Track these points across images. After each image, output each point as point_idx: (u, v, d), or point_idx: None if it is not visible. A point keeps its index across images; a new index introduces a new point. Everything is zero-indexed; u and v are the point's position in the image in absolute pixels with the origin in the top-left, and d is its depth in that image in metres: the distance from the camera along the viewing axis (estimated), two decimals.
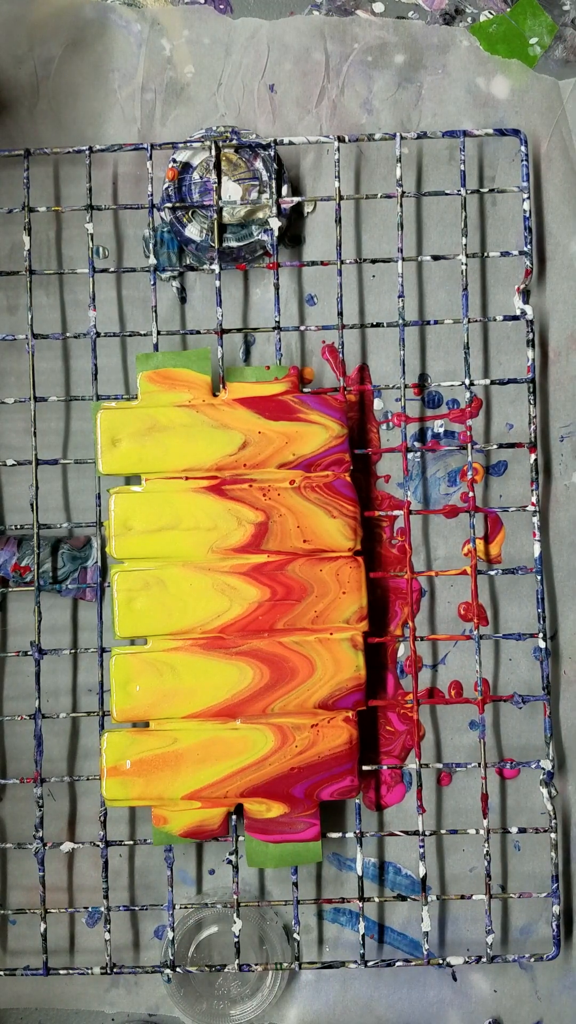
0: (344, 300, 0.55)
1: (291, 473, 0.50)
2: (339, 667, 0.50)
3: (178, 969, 0.52)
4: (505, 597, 0.55)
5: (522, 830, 0.52)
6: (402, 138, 0.52)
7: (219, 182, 0.53)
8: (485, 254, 0.54)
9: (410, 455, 0.55)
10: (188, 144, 0.53)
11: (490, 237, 0.55)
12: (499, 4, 0.56)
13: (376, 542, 0.55)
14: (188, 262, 0.55)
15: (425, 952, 0.52)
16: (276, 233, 0.53)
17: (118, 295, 0.56)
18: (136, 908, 0.52)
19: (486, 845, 0.51)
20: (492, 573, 0.53)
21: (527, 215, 0.53)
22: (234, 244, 0.53)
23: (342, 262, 0.53)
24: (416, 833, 0.52)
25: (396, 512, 0.53)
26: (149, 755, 0.49)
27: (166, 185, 0.53)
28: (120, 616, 0.49)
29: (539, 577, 0.53)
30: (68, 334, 0.53)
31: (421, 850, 0.52)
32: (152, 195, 0.52)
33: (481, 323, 0.55)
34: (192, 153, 0.53)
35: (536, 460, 0.53)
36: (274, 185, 0.53)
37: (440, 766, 0.53)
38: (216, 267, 0.52)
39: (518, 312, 0.53)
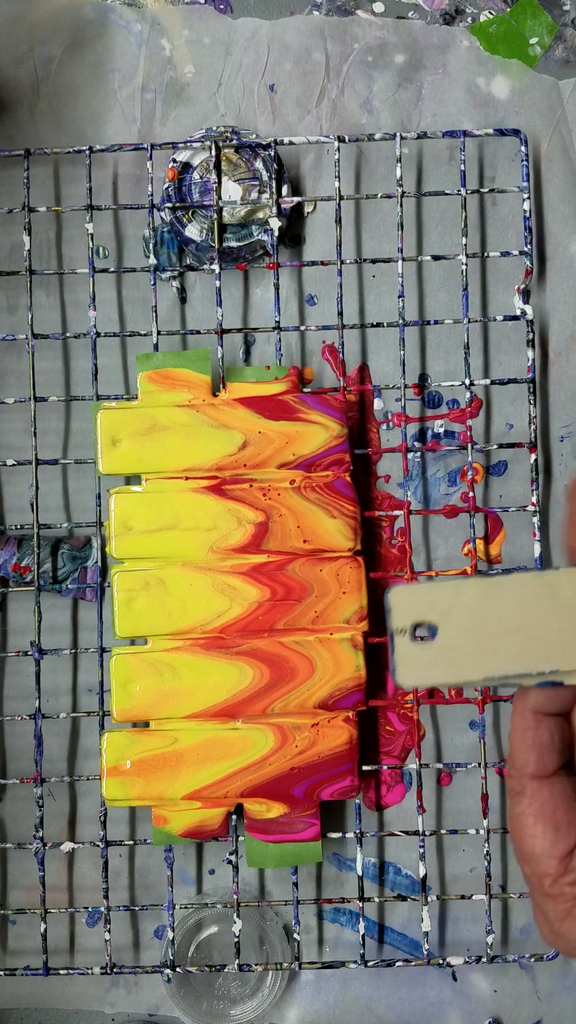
0: (344, 300, 0.55)
1: (291, 473, 0.50)
2: (339, 667, 0.50)
3: (178, 969, 0.52)
4: None
5: None
6: (402, 138, 0.53)
7: (219, 182, 0.53)
8: (485, 254, 0.54)
9: (410, 455, 0.55)
10: (188, 144, 0.53)
11: (490, 237, 0.55)
12: (499, 4, 0.56)
13: (376, 542, 0.55)
14: (188, 262, 0.55)
15: (425, 952, 0.52)
16: (276, 233, 0.53)
17: (118, 295, 0.56)
18: (136, 908, 0.52)
19: (486, 845, 0.51)
20: (492, 573, 0.53)
21: (527, 215, 0.53)
22: (234, 244, 0.53)
23: (342, 262, 0.53)
24: (416, 833, 0.52)
25: (396, 512, 0.53)
26: (149, 755, 0.49)
27: (166, 185, 0.53)
28: (120, 616, 0.49)
29: None
30: (68, 334, 0.53)
31: (421, 850, 0.52)
32: (152, 195, 0.52)
33: (481, 323, 0.55)
34: (192, 153, 0.53)
35: (536, 460, 0.53)
36: (274, 185, 0.53)
37: (440, 766, 0.53)
38: (216, 267, 0.52)
39: (518, 312, 0.53)
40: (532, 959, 0.52)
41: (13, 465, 0.53)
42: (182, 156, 0.53)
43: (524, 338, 0.54)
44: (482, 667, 0.36)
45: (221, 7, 0.56)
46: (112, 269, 0.54)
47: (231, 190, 0.53)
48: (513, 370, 0.55)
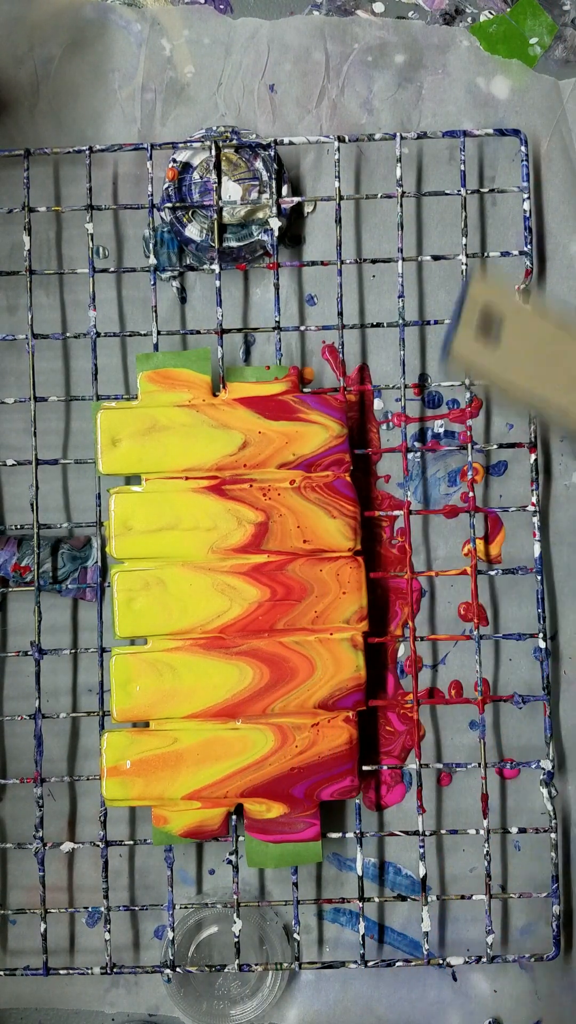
0: (344, 300, 0.55)
1: (291, 473, 0.50)
2: (339, 667, 0.50)
3: (178, 969, 0.52)
4: (505, 597, 0.55)
5: (522, 830, 0.52)
6: (402, 138, 0.53)
7: (219, 182, 0.53)
8: (485, 254, 0.54)
9: (410, 455, 0.55)
10: (188, 144, 0.53)
11: (490, 237, 0.55)
12: (499, 4, 0.56)
13: (376, 542, 0.55)
14: (188, 262, 0.55)
15: (425, 952, 0.52)
16: (276, 233, 0.53)
17: (118, 295, 0.56)
18: (136, 908, 0.52)
19: (486, 845, 0.51)
20: (492, 573, 0.53)
21: (527, 215, 0.53)
22: (234, 244, 0.53)
23: (342, 262, 0.53)
24: (416, 833, 0.52)
25: (396, 512, 0.53)
26: (149, 755, 0.49)
27: (166, 185, 0.53)
28: (120, 616, 0.49)
29: (539, 577, 0.53)
30: (68, 334, 0.53)
31: (421, 850, 0.52)
32: (152, 195, 0.52)
33: None
34: (192, 153, 0.53)
35: (536, 460, 0.53)
36: (274, 185, 0.53)
37: (440, 766, 0.53)
38: (216, 267, 0.52)
39: None
40: (532, 959, 0.52)
41: (13, 465, 0.53)
42: (182, 156, 0.53)
43: None
44: (528, 381, 0.41)
45: (221, 7, 0.56)
46: (112, 269, 0.54)
47: (231, 190, 0.53)
48: None
